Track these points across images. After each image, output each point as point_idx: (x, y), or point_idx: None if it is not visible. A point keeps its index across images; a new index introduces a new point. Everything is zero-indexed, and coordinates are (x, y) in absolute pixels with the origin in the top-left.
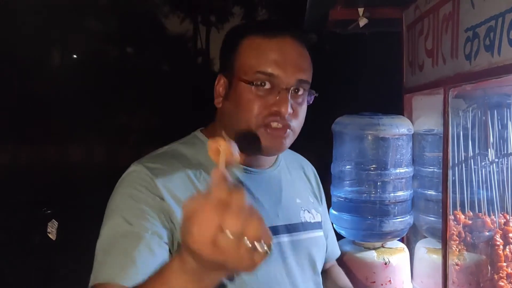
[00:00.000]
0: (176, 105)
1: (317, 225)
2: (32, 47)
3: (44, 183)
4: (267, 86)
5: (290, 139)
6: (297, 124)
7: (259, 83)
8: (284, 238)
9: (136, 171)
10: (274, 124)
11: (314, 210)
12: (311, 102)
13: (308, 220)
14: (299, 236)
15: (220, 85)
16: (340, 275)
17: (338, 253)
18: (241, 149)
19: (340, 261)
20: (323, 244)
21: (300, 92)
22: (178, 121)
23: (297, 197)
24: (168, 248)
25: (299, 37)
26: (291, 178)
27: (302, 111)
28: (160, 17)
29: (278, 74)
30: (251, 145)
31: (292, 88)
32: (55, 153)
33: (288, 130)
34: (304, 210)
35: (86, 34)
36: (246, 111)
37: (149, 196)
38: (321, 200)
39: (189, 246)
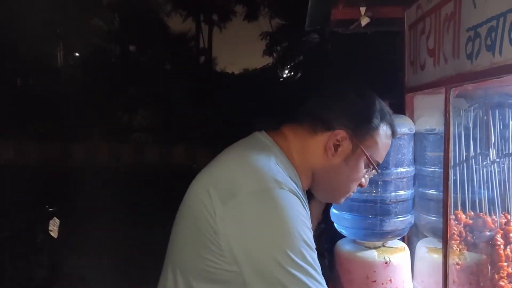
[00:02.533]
0: (178, 104)
1: None
2: (35, 45)
3: (46, 180)
4: (375, 171)
5: None
6: None
7: (375, 169)
8: None
9: (287, 199)
10: (350, 194)
11: None
12: None
13: None
14: None
15: (340, 142)
16: None
17: None
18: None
19: (339, 259)
20: None
21: None
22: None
23: None
24: None
25: None
26: None
27: None
28: (162, 15)
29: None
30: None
31: None
32: (58, 151)
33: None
34: None
35: (89, 32)
36: (352, 182)
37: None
38: None
39: None
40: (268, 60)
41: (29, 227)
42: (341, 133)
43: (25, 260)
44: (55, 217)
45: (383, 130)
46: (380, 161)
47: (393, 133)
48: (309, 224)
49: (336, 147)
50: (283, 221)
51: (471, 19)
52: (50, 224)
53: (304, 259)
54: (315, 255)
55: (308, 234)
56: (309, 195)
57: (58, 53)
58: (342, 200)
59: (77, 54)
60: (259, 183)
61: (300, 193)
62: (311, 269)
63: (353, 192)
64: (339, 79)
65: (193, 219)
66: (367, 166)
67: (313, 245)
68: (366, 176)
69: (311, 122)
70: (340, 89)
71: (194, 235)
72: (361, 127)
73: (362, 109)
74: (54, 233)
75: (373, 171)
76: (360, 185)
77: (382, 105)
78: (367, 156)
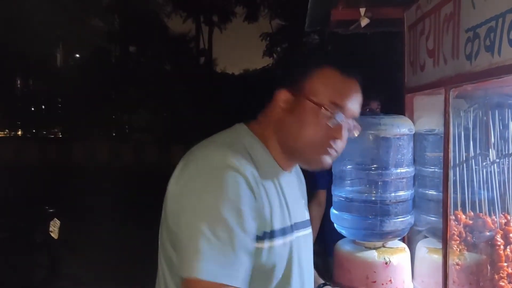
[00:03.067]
0: (178, 105)
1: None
2: (36, 46)
3: (46, 181)
4: (336, 116)
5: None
6: (343, 147)
7: (329, 112)
8: (300, 233)
9: (226, 172)
10: (332, 151)
11: (307, 209)
12: None
13: (308, 218)
14: (306, 231)
15: (283, 99)
16: None
17: None
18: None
19: (340, 259)
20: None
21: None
22: (180, 120)
23: (302, 197)
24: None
25: (360, 84)
26: (297, 180)
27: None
28: (162, 16)
29: (346, 108)
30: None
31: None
32: (57, 151)
33: (337, 153)
34: (306, 208)
35: (89, 33)
36: (309, 132)
37: (248, 196)
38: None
39: None
40: (268, 61)
41: (29, 227)
42: (282, 93)
43: (25, 260)
44: (55, 218)
45: (324, 70)
46: (339, 102)
47: (342, 72)
48: (247, 204)
49: (286, 106)
50: (210, 196)
51: (470, 19)
52: (51, 225)
53: (214, 233)
54: (232, 233)
55: (231, 213)
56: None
57: (58, 54)
58: (322, 157)
59: (77, 55)
60: (208, 160)
61: (256, 174)
62: (215, 240)
63: (335, 150)
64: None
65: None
66: (326, 117)
67: (233, 224)
68: (336, 127)
69: (269, 100)
70: (287, 62)
71: (162, 222)
72: (297, 76)
73: (296, 63)
74: (54, 234)
75: (338, 118)
76: (335, 137)
77: (319, 52)
78: (313, 102)
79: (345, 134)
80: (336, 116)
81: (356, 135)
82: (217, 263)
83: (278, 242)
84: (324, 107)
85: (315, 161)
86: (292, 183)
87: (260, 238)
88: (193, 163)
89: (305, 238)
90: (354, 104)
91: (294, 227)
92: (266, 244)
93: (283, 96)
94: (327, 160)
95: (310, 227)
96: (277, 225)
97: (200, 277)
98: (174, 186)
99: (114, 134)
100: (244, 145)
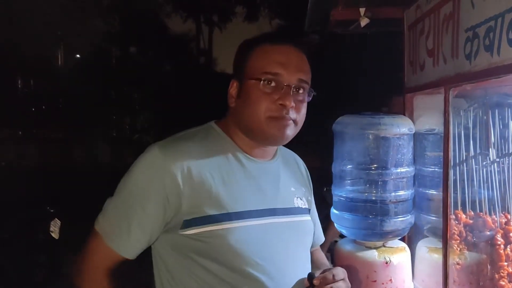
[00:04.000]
0: (179, 105)
1: (307, 211)
2: (36, 46)
3: (47, 181)
4: (273, 84)
5: (292, 130)
6: (299, 118)
7: (266, 81)
8: (281, 219)
9: (150, 154)
10: (286, 119)
11: (305, 199)
12: (310, 100)
13: (300, 206)
14: (293, 218)
15: (233, 88)
16: (321, 256)
17: (322, 239)
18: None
19: (340, 259)
20: (310, 228)
21: (301, 91)
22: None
23: (291, 186)
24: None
25: (300, 46)
26: (287, 170)
27: (303, 107)
28: (162, 16)
29: (282, 73)
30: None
31: (293, 86)
32: (58, 152)
33: (290, 121)
34: (297, 197)
35: (89, 33)
36: (255, 106)
37: (157, 180)
38: (311, 191)
39: None
40: None
41: (29, 228)
42: (231, 84)
43: (25, 260)
44: (56, 218)
45: (255, 50)
46: (270, 69)
47: (269, 42)
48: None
49: (235, 94)
50: (129, 174)
51: (470, 19)
52: (51, 225)
53: (116, 199)
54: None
55: (136, 192)
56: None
57: (59, 55)
58: (284, 130)
59: (77, 55)
60: (149, 149)
61: (203, 163)
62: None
63: (289, 118)
64: None
65: None
66: (265, 87)
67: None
68: (280, 94)
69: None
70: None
71: None
72: (237, 66)
73: (236, 56)
74: (55, 234)
75: (275, 84)
76: (280, 103)
77: (250, 39)
78: (248, 78)
79: (291, 99)
80: (273, 83)
81: (309, 100)
82: (111, 226)
83: (240, 224)
84: (260, 79)
85: (274, 134)
86: (273, 171)
87: (204, 221)
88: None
89: (289, 224)
90: (290, 67)
91: (271, 212)
92: (213, 227)
93: (232, 86)
94: (286, 131)
95: (301, 215)
96: (237, 208)
97: (96, 228)
98: None
99: (114, 135)
100: (199, 137)
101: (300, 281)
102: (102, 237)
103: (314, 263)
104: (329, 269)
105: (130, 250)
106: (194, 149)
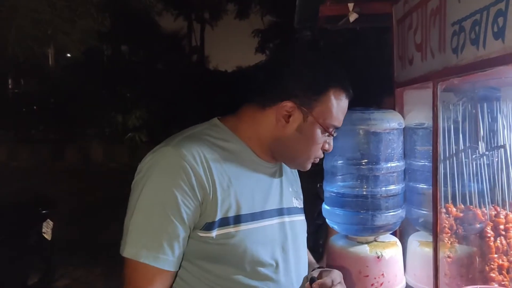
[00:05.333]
0: (171, 103)
1: (302, 211)
2: (26, 46)
3: (39, 182)
4: (332, 135)
5: None
6: None
7: (330, 133)
8: (286, 219)
9: (167, 156)
10: (317, 160)
11: (299, 198)
12: None
13: (298, 206)
14: (294, 218)
15: (287, 109)
16: (309, 254)
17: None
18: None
19: (332, 254)
20: (306, 228)
21: None
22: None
23: (289, 186)
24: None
25: None
26: (285, 171)
27: None
28: (153, 15)
29: (339, 126)
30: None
31: None
32: (51, 152)
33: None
34: (295, 197)
35: (80, 33)
36: (310, 147)
37: (186, 179)
38: (300, 190)
39: None
40: (261, 57)
41: (22, 229)
42: (288, 104)
43: (19, 262)
44: (48, 219)
45: (334, 94)
46: (338, 125)
47: (346, 95)
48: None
49: (287, 118)
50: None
51: (456, 13)
52: (44, 226)
53: (143, 218)
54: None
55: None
56: None
57: (49, 54)
58: (308, 164)
59: (68, 54)
60: (157, 153)
61: (212, 161)
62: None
63: (318, 157)
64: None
65: None
66: (323, 131)
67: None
68: (328, 140)
69: (259, 99)
70: (284, 61)
71: None
72: (308, 95)
73: (306, 77)
74: (47, 235)
75: (332, 135)
76: (324, 149)
77: (331, 68)
78: (319, 123)
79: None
80: (333, 134)
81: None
82: (141, 245)
83: (250, 226)
84: (327, 130)
85: (301, 166)
86: (277, 172)
87: (223, 223)
88: (149, 156)
89: (292, 224)
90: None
91: (280, 212)
92: (231, 229)
93: (286, 107)
94: (310, 164)
95: (300, 214)
96: (255, 208)
97: (125, 256)
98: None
99: (107, 134)
100: (208, 135)
101: (304, 280)
102: (146, 263)
103: None
104: (326, 270)
105: (177, 262)
106: (206, 148)
